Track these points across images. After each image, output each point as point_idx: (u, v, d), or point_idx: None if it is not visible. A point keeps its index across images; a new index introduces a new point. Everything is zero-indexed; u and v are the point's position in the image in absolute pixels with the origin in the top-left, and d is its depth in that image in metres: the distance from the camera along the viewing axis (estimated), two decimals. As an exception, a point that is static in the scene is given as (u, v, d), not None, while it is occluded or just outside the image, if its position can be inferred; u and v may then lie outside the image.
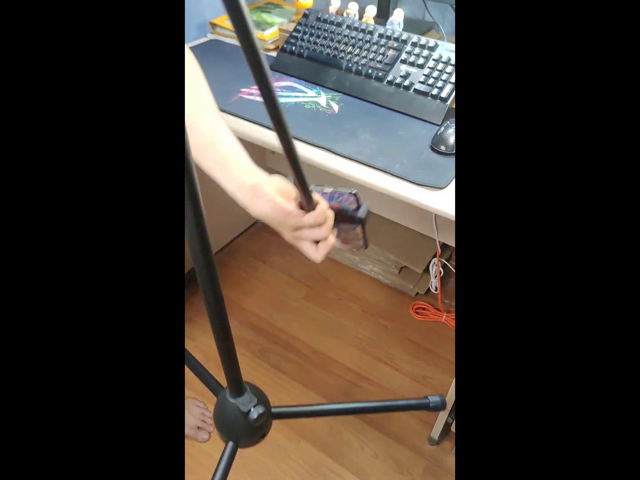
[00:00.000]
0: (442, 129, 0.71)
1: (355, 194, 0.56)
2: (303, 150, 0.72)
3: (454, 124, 0.71)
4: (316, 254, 0.53)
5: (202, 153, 0.50)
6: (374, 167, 0.68)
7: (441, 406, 0.87)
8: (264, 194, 0.49)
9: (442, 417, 0.97)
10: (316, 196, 0.50)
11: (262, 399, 0.60)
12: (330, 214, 0.53)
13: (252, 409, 0.58)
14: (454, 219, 0.62)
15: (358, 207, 0.57)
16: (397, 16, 0.90)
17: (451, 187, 0.65)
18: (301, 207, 0.50)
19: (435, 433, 1.01)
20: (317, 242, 0.53)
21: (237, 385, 0.58)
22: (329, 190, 0.55)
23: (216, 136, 0.52)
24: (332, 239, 0.54)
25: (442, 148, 0.69)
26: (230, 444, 0.67)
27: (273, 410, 0.67)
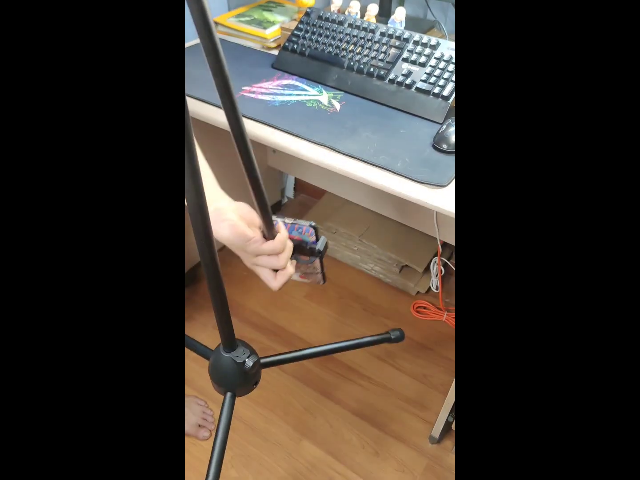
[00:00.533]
0: (444, 127, 0.71)
1: (314, 227, 0.57)
2: (305, 148, 0.72)
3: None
4: (274, 282, 0.55)
5: None
6: (376, 165, 0.68)
7: (400, 337, 1.01)
8: (226, 219, 0.51)
9: (443, 415, 0.97)
10: (278, 225, 0.52)
11: (252, 351, 0.67)
12: (290, 244, 0.55)
13: (246, 360, 0.64)
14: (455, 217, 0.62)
15: (316, 240, 0.58)
16: (399, 15, 0.90)
17: (453, 186, 0.65)
18: (263, 235, 0.52)
19: (436, 432, 1.01)
20: (275, 270, 0.55)
21: (231, 340, 0.64)
22: (289, 221, 0.56)
23: None
24: (290, 269, 0.55)
25: (444, 146, 0.69)
26: (229, 394, 0.75)
27: (262, 360, 0.79)
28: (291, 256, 0.56)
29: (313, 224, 0.57)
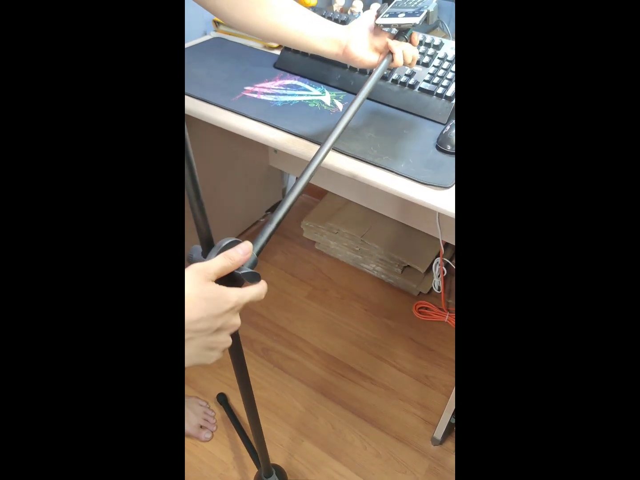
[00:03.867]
0: (448, 128, 0.71)
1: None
2: (307, 148, 0.71)
3: (460, 123, 0.70)
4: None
5: None
6: (379, 166, 0.67)
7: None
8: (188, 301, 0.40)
9: (446, 417, 0.97)
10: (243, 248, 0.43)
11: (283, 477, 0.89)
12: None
13: None
14: (459, 218, 0.62)
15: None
16: (402, 14, 0.89)
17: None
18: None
19: (439, 433, 1.01)
20: None
21: (267, 468, 0.85)
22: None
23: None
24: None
25: (448, 147, 0.69)
26: None
27: None
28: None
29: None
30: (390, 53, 0.63)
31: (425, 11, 0.61)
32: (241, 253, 0.41)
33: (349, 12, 0.93)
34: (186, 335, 0.37)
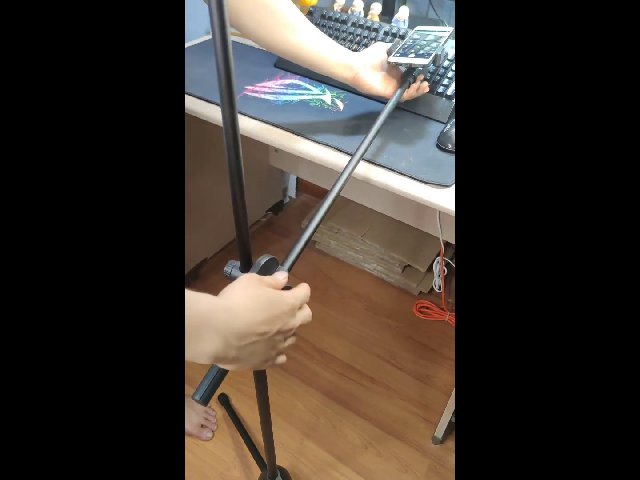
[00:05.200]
0: (448, 126, 0.71)
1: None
2: (307, 148, 0.71)
3: (460, 122, 0.71)
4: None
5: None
6: (379, 165, 0.67)
7: None
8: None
9: (446, 416, 0.97)
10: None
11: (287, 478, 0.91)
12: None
13: None
14: (460, 217, 0.62)
15: None
16: (402, 13, 0.89)
17: (457, 185, 0.65)
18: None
19: (439, 432, 1.01)
20: None
21: (273, 470, 0.86)
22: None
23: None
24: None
25: (449, 146, 0.69)
26: None
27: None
28: None
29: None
30: (405, 82, 0.69)
31: (434, 54, 0.66)
32: (281, 278, 0.42)
33: (349, 12, 0.93)
34: (251, 339, 0.36)
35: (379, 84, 0.69)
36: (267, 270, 0.43)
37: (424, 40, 0.71)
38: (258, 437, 1.04)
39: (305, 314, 0.44)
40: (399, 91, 0.68)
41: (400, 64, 0.69)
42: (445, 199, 0.63)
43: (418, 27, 0.76)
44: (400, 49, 0.69)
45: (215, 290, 0.37)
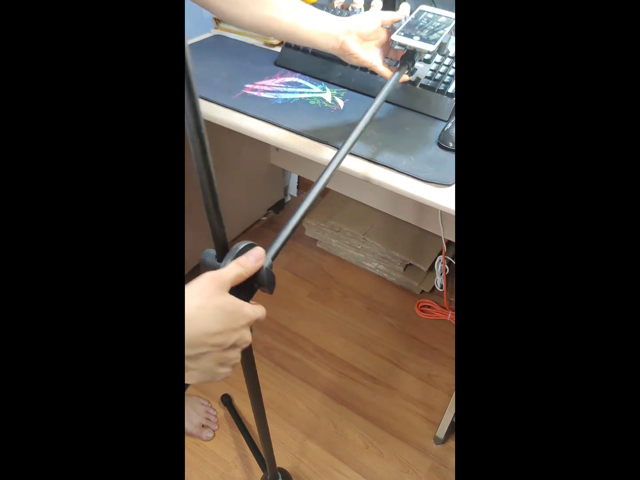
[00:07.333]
0: (450, 125, 0.70)
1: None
2: (308, 146, 0.71)
3: (462, 120, 0.70)
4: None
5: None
6: (380, 164, 0.67)
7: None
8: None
9: (448, 416, 0.96)
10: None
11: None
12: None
13: None
14: (461, 216, 0.61)
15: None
16: (404, 10, 0.88)
17: (459, 184, 0.64)
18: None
19: (441, 432, 1.01)
20: None
21: (273, 472, 0.87)
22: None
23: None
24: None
25: (450, 144, 0.68)
26: None
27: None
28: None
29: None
30: (405, 64, 0.65)
31: (440, 41, 0.63)
32: (252, 260, 0.39)
33: (349, 9, 0.92)
34: (203, 349, 0.34)
35: (368, 52, 0.64)
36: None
37: (430, 25, 0.66)
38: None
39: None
40: (397, 74, 0.64)
41: (404, 46, 0.64)
42: (446, 198, 0.62)
43: (423, 7, 0.70)
44: (404, 27, 0.65)
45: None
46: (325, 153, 0.70)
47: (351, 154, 0.69)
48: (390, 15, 0.65)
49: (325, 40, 0.63)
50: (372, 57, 0.65)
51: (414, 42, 0.63)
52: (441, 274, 1.30)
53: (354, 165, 0.67)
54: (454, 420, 0.98)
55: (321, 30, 0.62)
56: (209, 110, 0.77)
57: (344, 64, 0.84)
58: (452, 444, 1.04)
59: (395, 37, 0.64)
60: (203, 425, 1.04)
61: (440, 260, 1.29)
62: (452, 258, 1.35)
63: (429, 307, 1.31)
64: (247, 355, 0.58)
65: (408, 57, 0.66)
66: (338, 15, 0.88)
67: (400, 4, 0.89)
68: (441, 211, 1.12)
